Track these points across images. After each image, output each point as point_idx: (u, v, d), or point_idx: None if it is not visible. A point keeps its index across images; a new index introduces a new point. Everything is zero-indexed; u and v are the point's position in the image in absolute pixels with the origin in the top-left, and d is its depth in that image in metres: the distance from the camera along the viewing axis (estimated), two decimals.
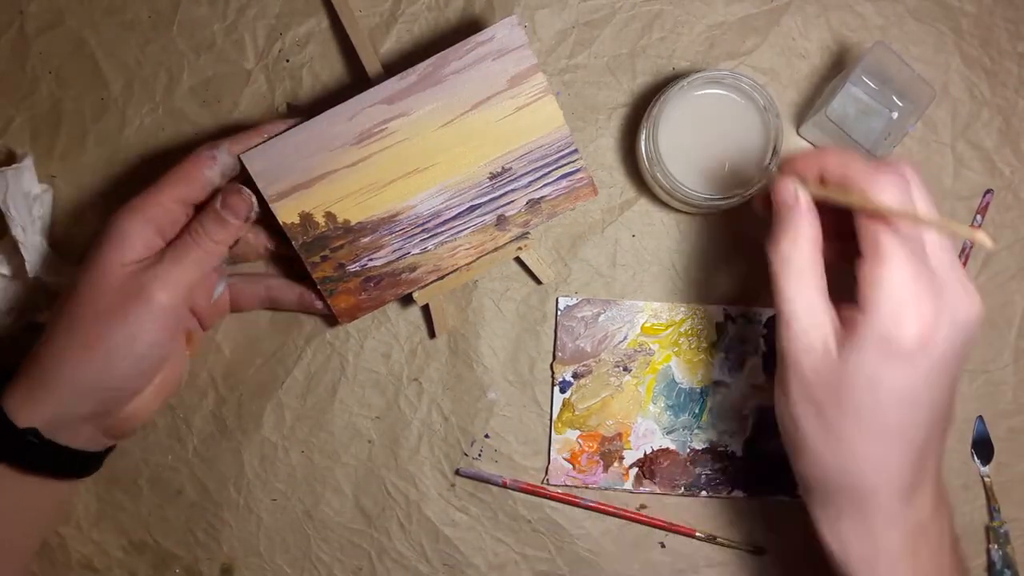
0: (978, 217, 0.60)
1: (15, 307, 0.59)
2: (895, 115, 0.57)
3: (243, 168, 0.53)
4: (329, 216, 0.54)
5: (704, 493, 0.60)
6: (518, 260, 0.59)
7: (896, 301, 0.39)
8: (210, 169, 0.52)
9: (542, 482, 0.60)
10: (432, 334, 0.60)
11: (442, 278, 0.56)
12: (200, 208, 0.53)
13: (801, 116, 0.60)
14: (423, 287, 0.57)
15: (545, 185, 0.55)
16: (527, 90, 0.52)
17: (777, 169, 0.43)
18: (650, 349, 0.60)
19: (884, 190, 0.39)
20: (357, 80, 0.61)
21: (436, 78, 0.52)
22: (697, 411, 0.60)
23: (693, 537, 0.60)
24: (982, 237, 0.38)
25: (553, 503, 0.60)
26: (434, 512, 0.61)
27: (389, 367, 0.61)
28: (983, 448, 0.60)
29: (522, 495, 0.60)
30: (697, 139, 0.56)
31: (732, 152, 0.56)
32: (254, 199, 0.53)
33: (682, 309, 0.60)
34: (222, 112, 0.61)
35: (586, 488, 0.60)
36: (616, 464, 0.60)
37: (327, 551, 0.61)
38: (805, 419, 0.41)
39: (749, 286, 0.60)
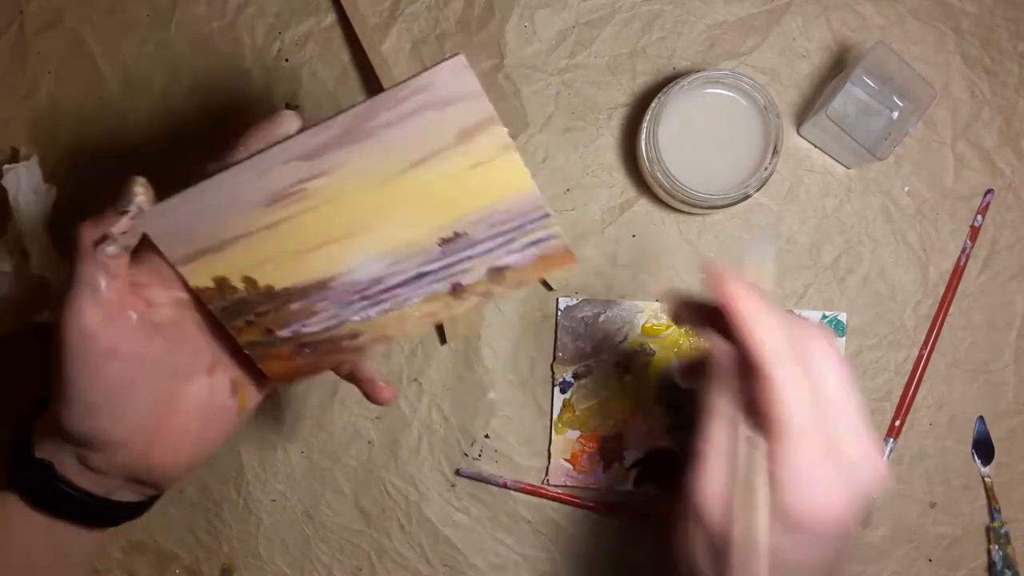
0: (978, 217, 0.60)
1: (17, 304, 0.59)
2: (895, 115, 0.57)
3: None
4: (248, 281, 0.46)
5: None
6: None
7: (802, 484, 0.38)
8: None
9: (542, 482, 0.60)
10: (443, 340, 0.60)
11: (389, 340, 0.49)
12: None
13: (801, 116, 0.60)
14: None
15: (510, 253, 0.45)
16: (483, 145, 0.42)
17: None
18: (650, 349, 0.60)
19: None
20: (359, 80, 0.61)
21: (364, 131, 0.42)
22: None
23: None
24: None
25: (553, 503, 0.60)
26: (434, 512, 0.61)
27: (389, 367, 0.61)
28: (983, 448, 0.60)
29: (522, 495, 0.60)
30: (698, 138, 0.56)
31: (732, 152, 0.56)
32: (140, 190, 0.43)
33: None
34: (219, 111, 0.61)
35: (586, 488, 0.60)
36: (616, 464, 0.60)
37: (327, 551, 0.61)
38: (703, 560, 0.41)
39: None
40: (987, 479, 0.60)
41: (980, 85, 0.60)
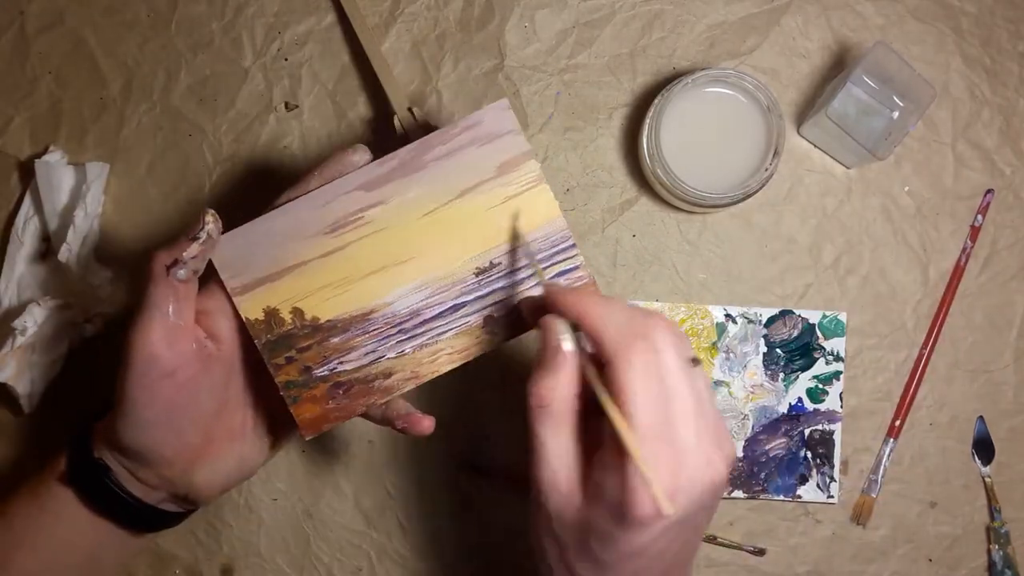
0: (979, 217, 0.60)
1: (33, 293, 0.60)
2: (896, 115, 0.57)
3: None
4: (296, 312, 0.49)
5: None
6: None
7: (633, 478, 0.38)
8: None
9: None
10: None
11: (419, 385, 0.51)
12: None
13: (802, 116, 0.60)
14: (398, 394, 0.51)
15: (539, 284, 0.49)
16: (518, 178, 0.47)
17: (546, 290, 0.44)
18: None
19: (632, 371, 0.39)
20: (359, 80, 0.61)
21: (418, 164, 0.47)
22: None
23: None
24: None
25: None
26: (435, 512, 0.61)
27: None
28: (984, 448, 0.60)
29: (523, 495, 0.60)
30: (699, 136, 0.56)
31: (733, 150, 0.56)
32: (211, 219, 0.46)
33: (682, 309, 0.60)
34: (219, 111, 0.61)
35: None
36: None
37: (327, 551, 0.61)
38: (549, 550, 0.42)
39: (749, 286, 0.60)
40: (987, 479, 0.60)
41: (980, 85, 0.60)
